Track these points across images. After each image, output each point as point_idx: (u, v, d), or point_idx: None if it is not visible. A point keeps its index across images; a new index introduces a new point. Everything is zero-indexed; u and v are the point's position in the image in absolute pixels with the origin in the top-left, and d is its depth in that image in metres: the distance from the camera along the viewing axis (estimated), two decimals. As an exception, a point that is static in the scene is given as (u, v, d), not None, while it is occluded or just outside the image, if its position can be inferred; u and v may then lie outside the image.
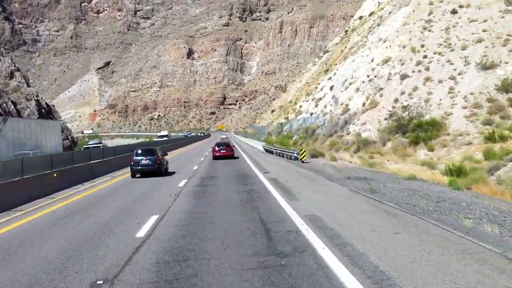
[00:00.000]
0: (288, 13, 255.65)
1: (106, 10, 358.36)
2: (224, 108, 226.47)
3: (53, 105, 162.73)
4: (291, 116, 55.98)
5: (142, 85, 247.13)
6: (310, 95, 50.97)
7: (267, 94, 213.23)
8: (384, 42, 41.71)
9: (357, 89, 35.01)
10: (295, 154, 30.04)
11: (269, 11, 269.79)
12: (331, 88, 40.92)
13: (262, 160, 32.06)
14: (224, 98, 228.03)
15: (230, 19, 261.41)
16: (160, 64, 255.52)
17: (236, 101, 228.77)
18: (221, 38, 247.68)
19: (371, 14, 63.33)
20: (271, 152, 36.52)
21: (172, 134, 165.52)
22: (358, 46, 46.34)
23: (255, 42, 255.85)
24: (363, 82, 35.72)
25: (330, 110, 34.98)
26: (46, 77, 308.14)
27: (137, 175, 26.18)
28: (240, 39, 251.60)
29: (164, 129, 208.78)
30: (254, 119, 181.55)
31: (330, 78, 46.11)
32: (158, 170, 26.44)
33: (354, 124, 31.54)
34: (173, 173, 27.21)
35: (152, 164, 26.58)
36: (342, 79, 40.11)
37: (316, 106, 41.40)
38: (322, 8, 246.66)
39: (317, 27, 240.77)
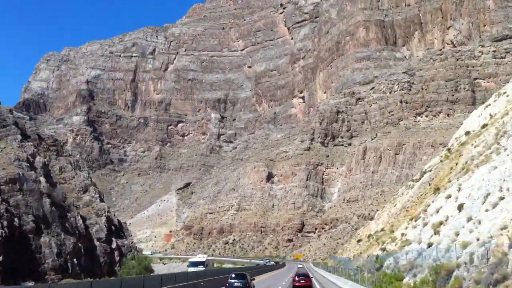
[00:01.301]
0: (372, 139, 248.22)
1: (191, 133, 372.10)
2: (302, 236, 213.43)
3: (125, 223, 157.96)
4: (389, 247, 44.15)
5: (219, 207, 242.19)
6: (418, 220, 39.34)
7: (349, 223, 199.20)
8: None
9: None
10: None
11: (351, 136, 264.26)
12: (460, 207, 29.49)
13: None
14: (303, 225, 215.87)
15: (311, 143, 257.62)
16: (239, 187, 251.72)
17: (315, 229, 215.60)
18: (301, 163, 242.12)
19: (483, 126, 52.62)
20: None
21: (243, 260, 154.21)
22: (485, 156, 35.37)
23: (337, 168, 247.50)
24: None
25: (477, 239, 23.34)
26: (129, 196, 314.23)
27: None
28: (321, 164, 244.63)
29: (238, 255, 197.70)
30: (334, 249, 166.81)
31: (449, 197, 34.74)
32: None
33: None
34: None
35: (243, 286, 34.00)
36: (477, 195, 28.81)
37: (437, 233, 29.78)
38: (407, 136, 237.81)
39: (403, 154, 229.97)
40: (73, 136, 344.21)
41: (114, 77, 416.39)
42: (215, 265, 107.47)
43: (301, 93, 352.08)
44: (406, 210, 58.68)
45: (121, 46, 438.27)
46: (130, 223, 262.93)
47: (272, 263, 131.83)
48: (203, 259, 79.19)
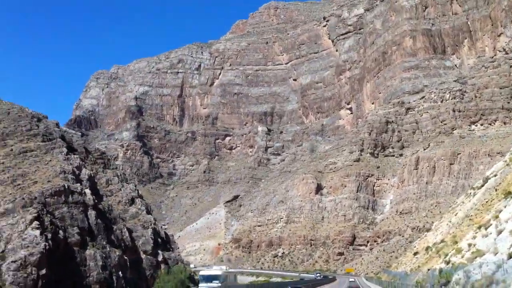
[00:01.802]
0: (424, 149, 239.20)
1: (238, 146, 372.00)
2: (353, 249, 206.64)
3: (172, 235, 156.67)
4: (455, 260, 39.44)
5: (268, 220, 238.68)
6: (489, 227, 34.68)
7: (403, 236, 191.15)
8: None
9: None
10: None
11: (402, 147, 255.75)
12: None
13: None
14: (354, 238, 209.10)
15: (361, 154, 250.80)
16: (288, 199, 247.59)
17: (367, 241, 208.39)
18: (351, 174, 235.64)
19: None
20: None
21: (292, 274, 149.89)
22: None
23: (388, 179, 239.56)
24: None
25: None
26: (178, 209, 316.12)
27: None
28: (372, 175, 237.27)
29: (287, 268, 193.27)
30: (388, 263, 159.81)
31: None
32: None
33: None
34: None
35: None
36: None
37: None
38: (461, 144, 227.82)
39: (458, 164, 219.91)
40: (124, 151, 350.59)
41: (162, 93, 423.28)
42: (243, 278, 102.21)
43: (348, 104, 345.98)
44: (470, 219, 53.47)
45: (167, 63, 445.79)
46: (179, 236, 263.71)
47: (329, 277, 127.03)
48: (219, 272, 62.40)
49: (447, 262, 41.64)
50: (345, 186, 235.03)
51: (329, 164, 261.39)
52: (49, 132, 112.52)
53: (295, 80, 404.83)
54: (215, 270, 64.12)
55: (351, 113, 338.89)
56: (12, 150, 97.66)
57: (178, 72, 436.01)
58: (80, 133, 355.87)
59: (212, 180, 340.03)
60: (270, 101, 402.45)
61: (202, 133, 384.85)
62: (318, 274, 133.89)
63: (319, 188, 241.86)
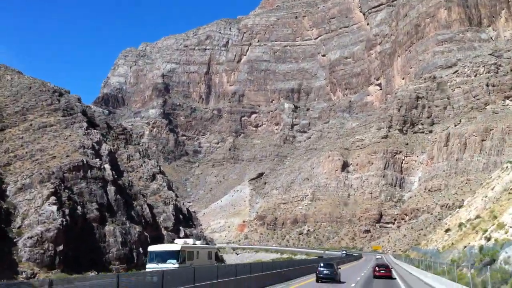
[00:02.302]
0: (455, 125, 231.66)
1: (264, 124, 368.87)
2: (380, 227, 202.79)
3: (194, 212, 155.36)
4: (496, 235, 35.75)
5: (293, 197, 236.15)
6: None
7: (431, 213, 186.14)
8: None
9: None
10: None
11: (432, 123, 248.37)
12: None
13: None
14: (381, 216, 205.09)
15: (389, 131, 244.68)
16: (313, 177, 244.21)
17: (395, 219, 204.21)
18: (378, 151, 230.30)
19: None
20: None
21: (317, 251, 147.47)
22: None
23: (417, 156, 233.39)
24: None
25: None
26: (203, 187, 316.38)
27: (319, 281, 43.21)
28: (400, 152, 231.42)
29: (312, 245, 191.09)
30: (416, 240, 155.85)
31: None
32: (335, 278, 44.15)
33: None
34: (344, 282, 44.33)
35: (331, 274, 43.72)
36: None
37: None
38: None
39: (490, 140, 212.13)
40: (150, 128, 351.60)
41: (189, 70, 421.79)
42: (266, 255, 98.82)
43: (377, 80, 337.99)
44: (510, 192, 49.33)
45: (195, 40, 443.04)
46: (204, 214, 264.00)
47: (355, 255, 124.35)
48: (177, 248, 40.62)
49: (488, 239, 38.06)
50: (372, 164, 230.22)
51: (356, 141, 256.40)
52: (70, 107, 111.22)
53: (323, 55, 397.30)
54: (172, 245, 43.09)
55: (380, 89, 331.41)
56: (31, 125, 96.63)
57: (205, 49, 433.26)
58: (107, 111, 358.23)
59: (237, 158, 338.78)
60: (298, 78, 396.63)
61: (228, 110, 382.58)
62: (344, 252, 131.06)
63: (345, 166, 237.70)
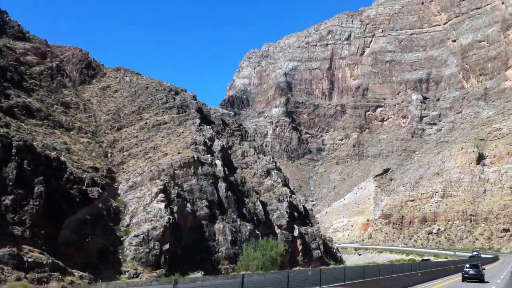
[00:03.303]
0: None
1: (390, 118, 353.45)
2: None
3: (311, 209, 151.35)
4: None
5: (421, 194, 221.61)
6: None
7: None
8: None
9: None
10: None
11: None
12: None
13: None
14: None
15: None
16: (444, 172, 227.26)
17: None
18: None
19: None
20: None
21: (447, 252, 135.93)
22: None
23: None
24: None
25: None
26: (326, 185, 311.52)
27: (465, 281, 48.46)
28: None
29: (443, 246, 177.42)
30: None
31: None
32: (480, 278, 49.10)
33: None
34: (487, 282, 48.45)
35: (476, 274, 48.98)
36: None
37: None
38: None
39: None
40: (273, 127, 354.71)
41: (311, 67, 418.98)
42: (385, 257, 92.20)
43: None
44: None
45: (317, 36, 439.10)
46: (326, 212, 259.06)
47: (488, 257, 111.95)
48: None
49: None
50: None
51: (493, 130, 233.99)
52: (185, 105, 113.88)
53: (454, 41, 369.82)
54: None
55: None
56: (146, 123, 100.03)
57: (327, 44, 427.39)
58: (233, 113, 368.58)
59: (362, 154, 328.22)
60: (426, 67, 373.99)
61: (352, 105, 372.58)
62: (476, 253, 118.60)
63: (480, 158, 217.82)
